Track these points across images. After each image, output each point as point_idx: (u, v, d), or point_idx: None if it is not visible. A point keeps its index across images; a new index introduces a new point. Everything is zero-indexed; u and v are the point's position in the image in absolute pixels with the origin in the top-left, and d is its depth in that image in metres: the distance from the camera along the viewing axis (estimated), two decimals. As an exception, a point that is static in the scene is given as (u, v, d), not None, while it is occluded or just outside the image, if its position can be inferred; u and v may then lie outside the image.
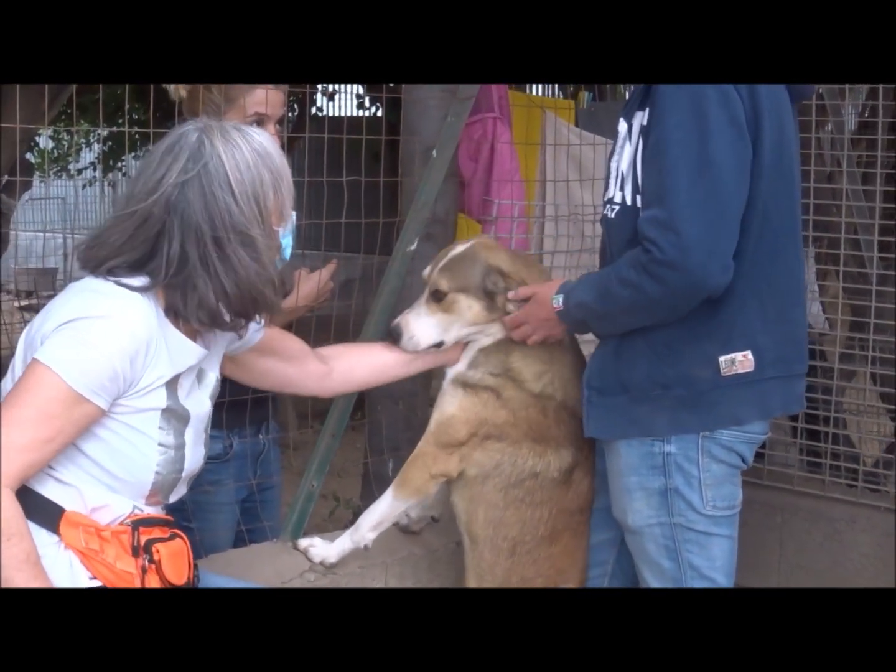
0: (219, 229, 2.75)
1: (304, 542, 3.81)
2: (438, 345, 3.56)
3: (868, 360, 4.46)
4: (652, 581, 3.41)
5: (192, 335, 2.91)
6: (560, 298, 3.35)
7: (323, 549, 3.76)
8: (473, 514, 3.59)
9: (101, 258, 2.80)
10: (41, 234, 9.32)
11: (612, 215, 3.32)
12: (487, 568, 3.60)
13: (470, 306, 3.51)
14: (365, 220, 4.04)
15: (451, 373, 3.62)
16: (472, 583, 3.66)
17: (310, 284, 3.85)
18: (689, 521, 3.32)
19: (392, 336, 3.56)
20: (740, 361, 3.23)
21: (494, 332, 3.56)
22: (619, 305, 3.20)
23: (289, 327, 3.76)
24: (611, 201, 3.33)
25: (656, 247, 3.03)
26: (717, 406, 3.26)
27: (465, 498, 3.60)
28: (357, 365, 3.56)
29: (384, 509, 3.65)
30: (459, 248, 3.57)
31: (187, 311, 2.80)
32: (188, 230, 2.75)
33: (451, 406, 3.58)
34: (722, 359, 3.23)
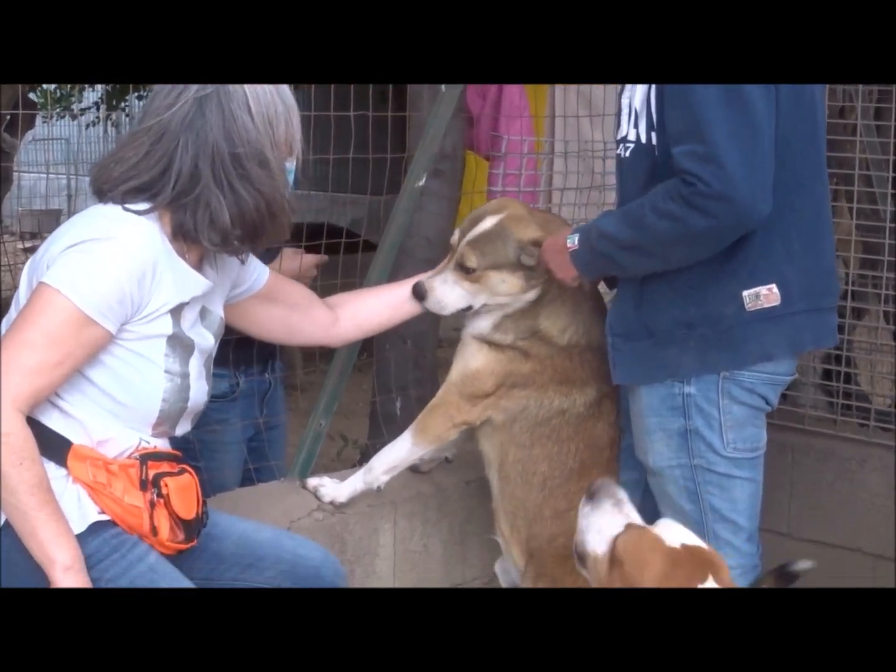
0: (238, 146, 2.76)
1: (312, 482, 3.80)
2: (467, 309, 3.54)
3: (881, 298, 4.42)
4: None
5: (197, 266, 2.90)
6: (575, 238, 3.28)
7: (332, 488, 3.76)
8: (503, 457, 3.61)
9: (116, 178, 2.79)
10: (45, 175, 9.28)
11: (627, 154, 3.25)
12: (519, 504, 3.62)
13: (503, 280, 3.48)
14: (372, 155, 4.00)
15: (474, 328, 3.60)
16: (503, 524, 3.68)
17: (292, 265, 3.81)
18: (709, 462, 3.29)
19: (416, 294, 3.53)
20: (765, 295, 3.17)
21: (527, 299, 3.53)
22: (655, 237, 3.09)
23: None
24: (624, 139, 3.25)
25: (701, 181, 2.94)
26: (745, 343, 3.21)
27: (495, 443, 3.62)
28: (364, 310, 3.53)
29: (401, 454, 3.65)
30: (488, 223, 3.48)
31: (198, 230, 2.79)
32: (203, 147, 2.75)
33: (476, 361, 3.58)
34: (746, 293, 3.17)
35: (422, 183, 4.06)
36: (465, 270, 3.47)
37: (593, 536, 2.68)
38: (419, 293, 3.51)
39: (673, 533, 2.63)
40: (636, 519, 2.70)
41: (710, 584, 2.48)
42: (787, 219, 3.17)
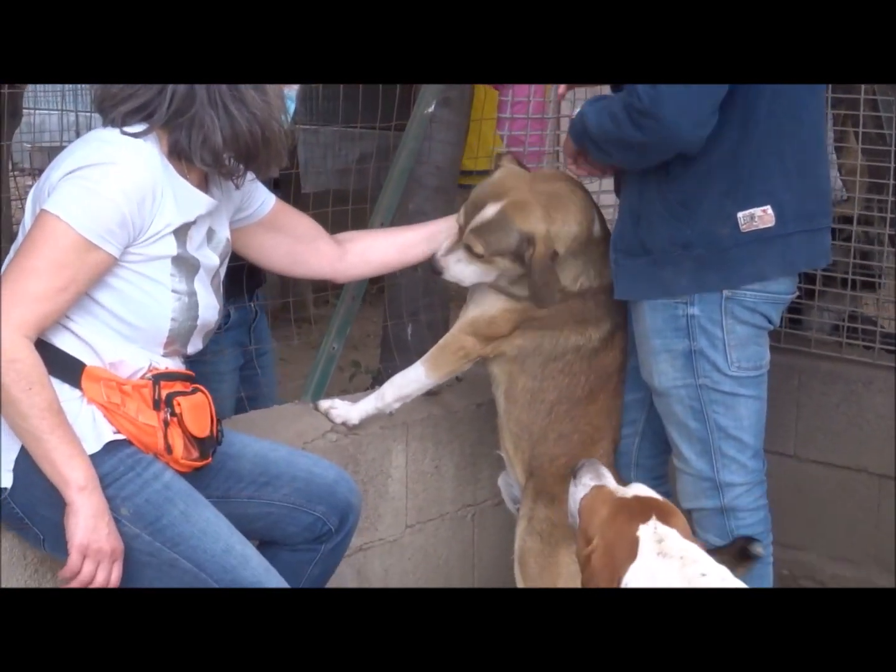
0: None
1: (324, 404, 3.85)
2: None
3: (886, 221, 4.44)
4: (680, 442, 3.46)
5: (200, 185, 2.92)
6: (577, 112, 3.42)
7: (344, 410, 3.81)
8: (512, 384, 3.67)
9: (115, 95, 2.80)
10: (54, 111, 9.24)
11: None
12: (524, 427, 3.68)
13: (511, 263, 3.53)
14: (382, 83, 4.02)
15: (492, 280, 3.64)
16: (507, 442, 3.75)
17: None
18: (714, 381, 3.36)
19: (435, 269, 3.58)
20: (760, 217, 3.24)
21: None
22: (606, 136, 3.24)
23: (307, 203, 3.74)
24: None
25: (635, 94, 3.06)
26: (739, 263, 3.27)
27: (504, 370, 3.68)
28: (372, 247, 3.56)
29: (414, 385, 3.72)
30: (490, 211, 3.50)
31: (191, 149, 2.81)
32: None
33: (493, 308, 3.64)
34: (740, 214, 3.23)
35: (431, 110, 4.07)
36: (473, 253, 3.53)
37: (573, 508, 2.80)
38: (437, 269, 3.57)
39: (633, 490, 2.73)
40: (613, 485, 2.78)
41: (654, 523, 2.54)
42: (781, 142, 3.24)
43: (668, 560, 2.48)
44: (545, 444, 3.65)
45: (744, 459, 3.45)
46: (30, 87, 8.12)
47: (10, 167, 6.69)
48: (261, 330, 4.11)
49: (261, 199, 3.26)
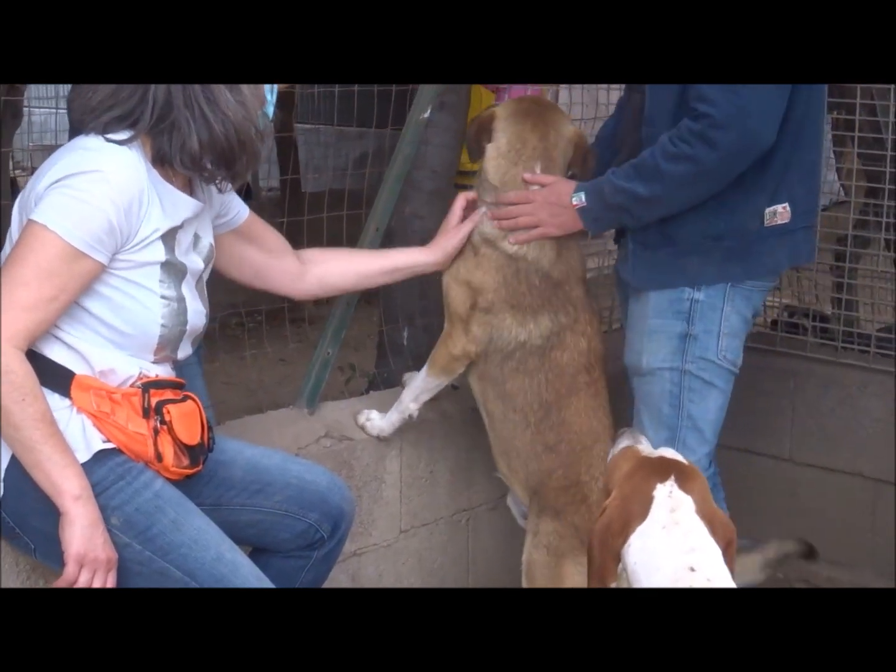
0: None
1: (361, 418, 3.91)
2: None
3: (882, 226, 4.45)
4: (649, 427, 3.54)
5: (184, 190, 2.92)
6: (582, 195, 3.46)
7: (378, 422, 3.87)
8: (485, 393, 3.70)
9: (95, 107, 2.80)
10: (55, 110, 9.25)
11: None
12: (509, 443, 3.69)
13: None
14: (377, 86, 4.03)
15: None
16: (500, 463, 3.77)
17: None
18: (699, 368, 3.49)
19: None
20: (780, 213, 3.42)
21: None
22: (673, 182, 3.32)
23: (303, 202, 3.73)
24: None
25: (715, 106, 3.16)
26: (761, 256, 3.46)
27: (476, 377, 3.71)
28: (331, 272, 3.54)
29: (419, 384, 3.77)
30: None
31: (171, 153, 2.81)
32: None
33: (444, 282, 3.69)
34: (767, 210, 3.40)
35: (427, 115, 4.06)
36: None
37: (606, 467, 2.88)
38: None
39: (659, 451, 2.79)
40: (645, 448, 2.83)
41: (671, 485, 2.59)
42: (806, 141, 3.41)
43: (670, 538, 2.52)
44: (536, 460, 3.65)
45: (700, 454, 3.55)
46: (31, 86, 8.12)
47: (10, 167, 6.70)
48: None
49: (237, 207, 3.27)
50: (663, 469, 2.64)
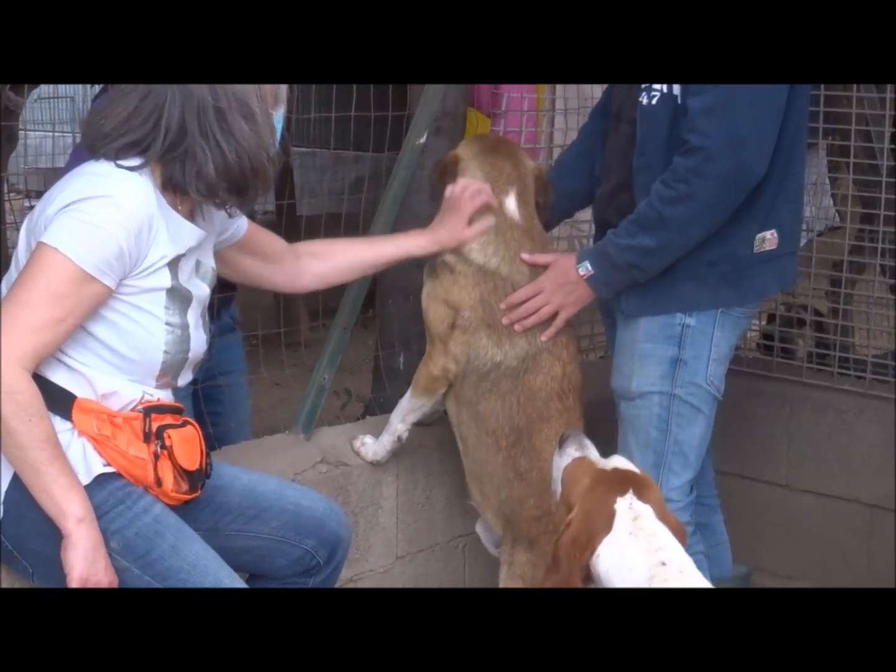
0: (221, 99, 2.78)
1: (357, 443, 3.92)
2: None
3: (878, 251, 4.46)
4: (636, 451, 3.55)
5: (190, 218, 2.93)
6: (587, 264, 3.50)
7: (373, 446, 3.88)
8: (459, 416, 3.70)
9: (108, 134, 2.81)
10: (50, 133, 9.26)
11: (653, 102, 3.39)
12: (482, 467, 3.68)
13: None
14: (374, 113, 4.04)
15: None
16: (473, 488, 3.76)
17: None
18: (687, 393, 3.53)
19: None
20: (768, 239, 3.47)
21: None
22: (677, 225, 3.36)
23: (299, 225, 3.72)
24: (650, 88, 3.40)
25: (710, 137, 3.22)
26: (751, 281, 3.51)
27: (451, 400, 3.72)
28: (330, 266, 3.55)
29: (405, 404, 3.78)
30: None
31: (186, 181, 2.82)
32: (189, 101, 2.77)
33: (423, 302, 3.70)
34: (757, 236, 3.45)
35: (423, 140, 4.08)
36: None
37: (556, 476, 2.92)
38: None
39: (612, 462, 2.85)
40: (595, 457, 2.89)
41: (630, 497, 2.69)
42: (794, 168, 3.47)
43: (637, 541, 2.63)
44: (508, 487, 3.64)
45: (684, 479, 3.59)
46: (26, 109, 8.13)
47: (5, 189, 6.70)
48: (229, 346, 4.03)
49: (236, 222, 3.27)
50: (621, 483, 2.73)
